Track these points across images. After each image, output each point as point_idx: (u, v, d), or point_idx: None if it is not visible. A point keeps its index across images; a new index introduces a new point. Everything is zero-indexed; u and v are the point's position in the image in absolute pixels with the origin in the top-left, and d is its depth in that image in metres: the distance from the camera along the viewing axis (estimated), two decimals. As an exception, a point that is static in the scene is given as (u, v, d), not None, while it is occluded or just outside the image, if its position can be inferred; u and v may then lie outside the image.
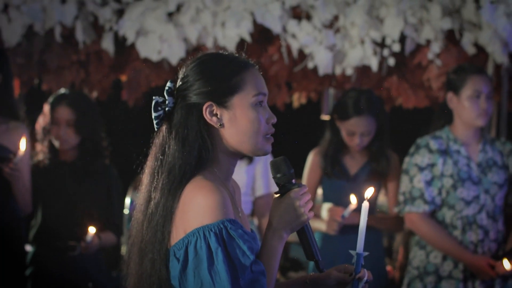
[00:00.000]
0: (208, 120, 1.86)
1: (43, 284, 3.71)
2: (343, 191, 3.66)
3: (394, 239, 4.79)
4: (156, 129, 1.91)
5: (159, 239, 1.80)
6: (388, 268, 4.32)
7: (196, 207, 1.76)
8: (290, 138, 4.03)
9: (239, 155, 1.91)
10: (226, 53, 1.95)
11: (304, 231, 1.91)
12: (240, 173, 3.77)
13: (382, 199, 4.19)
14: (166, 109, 1.88)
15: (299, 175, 4.00)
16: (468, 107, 3.46)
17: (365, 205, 1.98)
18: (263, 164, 3.73)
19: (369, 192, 2.05)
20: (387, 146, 3.74)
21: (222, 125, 1.86)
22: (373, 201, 3.75)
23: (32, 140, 3.73)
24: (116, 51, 4.35)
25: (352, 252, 1.97)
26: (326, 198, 3.80)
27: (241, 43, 4.21)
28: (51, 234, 3.68)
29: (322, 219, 3.69)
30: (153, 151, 1.90)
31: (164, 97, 1.89)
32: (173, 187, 1.81)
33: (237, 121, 1.86)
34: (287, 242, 5.31)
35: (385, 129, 3.71)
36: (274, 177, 1.90)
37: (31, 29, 4.33)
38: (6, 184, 3.48)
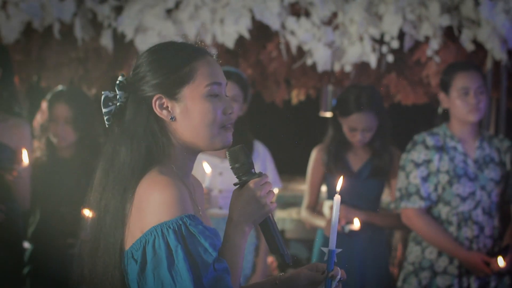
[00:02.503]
0: (158, 114, 1.76)
1: (41, 282, 3.71)
2: (347, 187, 3.66)
3: (393, 236, 4.80)
4: (107, 126, 1.79)
5: (111, 242, 1.70)
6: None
7: (152, 204, 1.65)
8: (289, 135, 4.03)
9: (196, 150, 1.80)
10: (179, 42, 1.84)
11: (267, 223, 1.79)
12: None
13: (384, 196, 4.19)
14: (118, 104, 1.76)
15: (296, 170, 4.01)
16: (458, 105, 3.48)
17: (337, 198, 1.85)
18: (261, 164, 3.72)
19: (339, 183, 1.89)
20: (389, 142, 3.74)
21: (173, 119, 1.75)
22: (377, 198, 3.76)
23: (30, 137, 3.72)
24: (115, 48, 4.35)
25: (324, 249, 1.83)
26: (330, 195, 3.80)
27: (240, 40, 4.21)
28: (49, 232, 3.67)
29: (325, 216, 3.69)
30: (104, 149, 1.80)
31: (115, 91, 1.77)
32: (123, 187, 1.71)
33: (189, 114, 1.75)
34: (285, 239, 5.27)
35: (387, 125, 3.71)
36: (232, 168, 1.78)
37: (29, 26, 4.33)
38: (5, 182, 3.48)
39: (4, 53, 3.57)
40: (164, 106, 1.76)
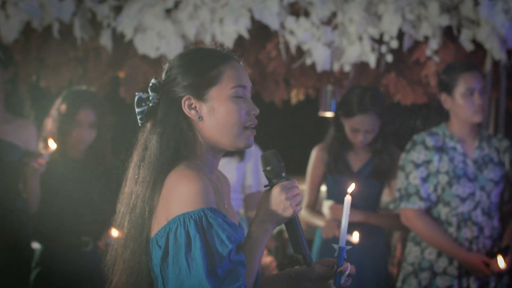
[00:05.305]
0: (187, 113, 1.89)
1: (53, 281, 3.69)
2: (347, 187, 3.65)
3: (392, 235, 4.80)
4: (140, 125, 1.94)
5: (139, 230, 1.83)
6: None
7: (178, 195, 1.79)
8: (288, 135, 4.03)
9: (220, 148, 1.92)
10: (208, 47, 1.99)
11: (292, 224, 1.91)
12: (230, 170, 3.78)
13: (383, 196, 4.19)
14: (150, 104, 1.91)
15: (295, 170, 4.00)
16: (463, 106, 3.46)
17: (347, 199, 1.99)
18: (254, 162, 3.73)
19: (351, 187, 2.05)
20: (390, 143, 3.73)
21: (200, 118, 1.88)
22: (376, 199, 3.75)
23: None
24: (114, 47, 4.35)
25: (334, 245, 1.97)
26: (329, 195, 3.80)
27: (239, 39, 4.21)
28: (62, 231, 3.64)
29: (324, 216, 3.69)
30: (137, 146, 1.93)
31: (148, 93, 1.92)
32: (153, 179, 1.84)
33: (215, 114, 1.88)
34: (285, 239, 5.28)
35: (389, 126, 3.71)
36: (264, 170, 1.91)
37: (29, 26, 4.33)
38: (15, 183, 3.48)
39: (11, 54, 3.57)
40: (193, 106, 1.89)
